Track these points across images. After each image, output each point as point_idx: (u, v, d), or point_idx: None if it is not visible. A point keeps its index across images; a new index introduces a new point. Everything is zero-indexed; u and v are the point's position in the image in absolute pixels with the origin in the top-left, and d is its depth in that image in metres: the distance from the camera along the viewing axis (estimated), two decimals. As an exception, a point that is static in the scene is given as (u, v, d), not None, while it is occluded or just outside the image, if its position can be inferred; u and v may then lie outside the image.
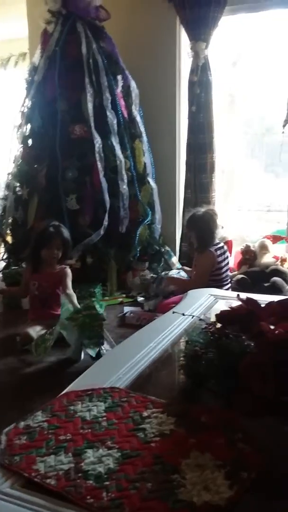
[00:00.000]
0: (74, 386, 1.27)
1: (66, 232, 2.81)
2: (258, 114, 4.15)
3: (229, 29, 3.88)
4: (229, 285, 3.07)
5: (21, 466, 0.93)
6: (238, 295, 1.43)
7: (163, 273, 3.30)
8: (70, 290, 2.70)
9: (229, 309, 1.37)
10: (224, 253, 3.01)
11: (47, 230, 2.75)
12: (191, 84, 3.77)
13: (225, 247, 3.08)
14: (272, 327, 1.16)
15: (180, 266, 3.60)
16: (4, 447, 0.99)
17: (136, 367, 1.37)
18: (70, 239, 2.83)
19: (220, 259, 2.96)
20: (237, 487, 0.85)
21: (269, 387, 1.04)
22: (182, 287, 2.91)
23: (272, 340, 1.11)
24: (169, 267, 3.80)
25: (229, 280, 3.11)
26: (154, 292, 3.11)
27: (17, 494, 0.86)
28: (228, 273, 3.09)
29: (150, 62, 3.92)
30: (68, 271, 2.80)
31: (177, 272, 3.41)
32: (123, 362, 1.39)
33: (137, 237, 3.53)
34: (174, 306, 1.95)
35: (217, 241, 3.02)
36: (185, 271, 3.37)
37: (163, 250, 3.83)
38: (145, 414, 1.10)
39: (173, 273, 3.41)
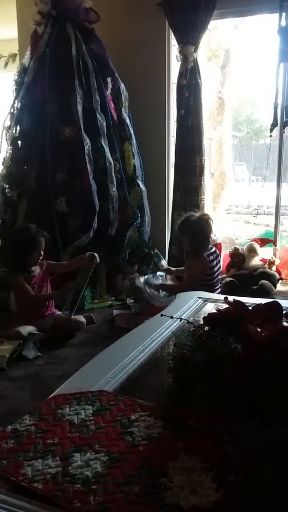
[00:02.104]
0: (62, 389, 1.26)
1: (44, 232, 2.88)
2: (247, 117, 4.18)
3: (218, 32, 3.90)
4: (220, 288, 3.09)
5: (8, 470, 0.92)
6: (225, 298, 1.44)
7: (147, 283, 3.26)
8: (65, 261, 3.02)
9: (216, 312, 1.38)
10: (216, 257, 3.03)
11: (34, 234, 2.77)
12: (180, 87, 3.79)
13: (217, 251, 3.10)
14: (259, 329, 1.17)
15: (165, 267, 3.58)
16: (-9, 452, 0.99)
17: (124, 370, 1.37)
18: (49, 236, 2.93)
19: (212, 264, 2.97)
20: (224, 490, 0.86)
21: (255, 389, 1.05)
22: (173, 292, 2.90)
23: (259, 342, 1.11)
24: (158, 270, 3.80)
25: (220, 283, 3.13)
26: (136, 309, 3.10)
27: (4, 498, 0.86)
28: (220, 276, 3.10)
29: (140, 65, 3.93)
30: (49, 262, 2.92)
31: (161, 275, 3.38)
32: (112, 365, 1.39)
33: (127, 240, 3.53)
34: (163, 309, 1.96)
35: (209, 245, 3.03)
36: (171, 272, 3.34)
37: (152, 253, 3.84)
38: (133, 417, 1.11)
39: (156, 277, 3.35)
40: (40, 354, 2.44)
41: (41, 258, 2.83)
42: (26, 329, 2.57)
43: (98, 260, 2.89)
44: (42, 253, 2.81)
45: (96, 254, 2.88)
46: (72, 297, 2.81)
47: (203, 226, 2.94)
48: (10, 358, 2.33)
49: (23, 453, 0.98)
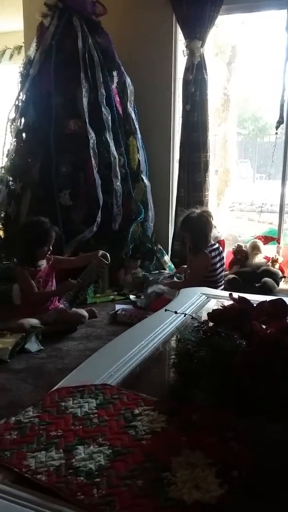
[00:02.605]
0: (65, 382, 1.26)
1: (56, 228, 2.89)
2: (252, 115, 4.16)
3: (225, 28, 3.88)
4: (223, 285, 3.08)
5: (11, 462, 0.93)
6: (230, 294, 1.44)
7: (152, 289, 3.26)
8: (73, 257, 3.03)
9: (221, 308, 1.38)
10: (219, 254, 3.02)
11: (47, 229, 2.77)
12: (186, 82, 3.77)
13: (220, 248, 3.09)
14: (264, 326, 1.16)
15: (174, 271, 3.58)
16: (-5, 443, 0.99)
17: (127, 364, 1.37)
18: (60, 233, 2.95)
19: (215, 260, 2.97)
20: (227, 486, 0.85)
21: (260, 386, 1.05)
22: (178, 289, 2.91)
23: (264, 339, 1.11)
24: (161, 265, 3.81)
25: (223, 280, 3.12)
26: (147, 294, 3.09)
27: (8, 490, 0.86)
28: (223, 273, 3.10)
29: (146, 59, 3.91)
30: (56, 257, 2.93)
31: (168, 276, 3.39)
32: (115, 359, 1.39)
33: (130, 235, 3.53)
34: (166, 305, 1.96)
35: (212, 242, 3.03)
36: (178, 273, 3.36)
37: (155, 248, 3.83)
38: (136, 411, 1.11)
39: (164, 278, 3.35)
40: (43, 348, 2.44)
41: (49, 252, 2.83)
42: (29, 322, 2.57)
43: (109, 261, 2.88)
44: (51, 248, 2.81)
45: (108, 255, 2.87)
46: (75, 292, 2.80)
47: (203, 222, 2.96)
48: (12, 351, 2.33)
49: (27, 444, 0.98)
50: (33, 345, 2.44)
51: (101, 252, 2.85)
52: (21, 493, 0.85)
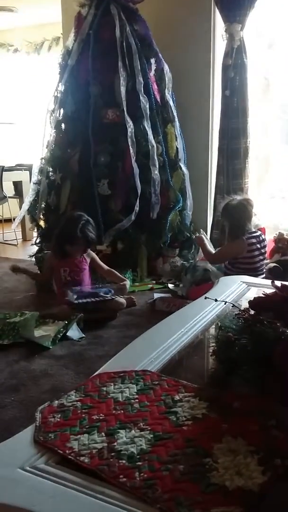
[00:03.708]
0: (106, 367, 1.28)
1: (92, 234, 2.83)
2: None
3: (265, 10, 3.76)
4: (264, 274, 3.04)
5: (55, 443, 0.95)
6: (272, 281, 1.41)
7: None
8: (107, 267, 3.00)
9: (263, 295, 1.35)
10: (259, 242, 2.99)
11: (75, 233, 2.77)
12: (225, 67, 3.69)
13: (263, 236, 3.05)
14: (308, 314, 1.14)
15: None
16: (39, 424, 1.02)
17: (167, 351, 1.38)
18: (95, 238, 2.89)
19: (253, 247, 2.94)
20: (270, 473, 0.84)
21: (304, 375, 1.03)
22: (203, 252, 3.14)
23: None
24: (199, 254, 3.78)
25: (264, 268, 3.08)
26: (187, 282, 3.09)
27: (52, 470, 0.88)
28: (264, 262, 3.06)
29: (184, 45, 3.85)
30: (92, 252, 2.97)
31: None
32: (155, 346, 1.40)
33: (168, 224, 3.51)
34: (206, 293, 1.94)
35: (252, 229, 3.00)
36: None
37: (194, 237, 3.80)
38: (177, 397, 1.11)
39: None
40: (84, 335, 2.48)
41: (80, 252, 2.86)
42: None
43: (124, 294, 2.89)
44: (81, 249, 2.84)
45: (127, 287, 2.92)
46: (91, 297, 2.73)
47: (241, 210, 2.96)
48: (54, 338, 2.38)
49: (70, 427, 1.00)
50: (74, 333, 2.48)
51: (127, 286, 2.91)
52: (64, 474, 0.87)
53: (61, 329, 2.45)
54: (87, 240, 2.82)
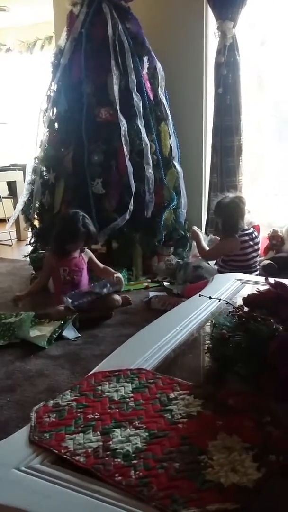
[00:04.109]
0: (101, 366, 1.28)
1: (92, 227, 2.87)
2: (287, 96, 4.03)
3: (257, 7, 3.76)
4: (258, 271, 3.05)
5: (50, 443, 0.95)
6: (266, 278, 1.41)
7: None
8: (102, 265, 3.00)
9: (256, 292, 1.36)
10: (252, 239, 3.00)
11: (77, 228, 2.77)
12: (218, 65, 3.69)
13: (255, 233, 3.06)
14: (301, 311, 1.14)
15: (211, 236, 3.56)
16: (34, 424, 1.02)
17: (162, 349, 1.38)
18: (95, 232, 2.93)
19: (245, 245, 2.95)
20: (265, 470, 0.85)
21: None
22: (198, 247, 3.17)
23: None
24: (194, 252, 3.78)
25: (258, 265, 3.10)
26: (180, 279, 3.09)
27: (47, 470, 0.88)
28: (257, 259, 3.07)
29: (176, 43, 3.85)
30: (89, 252, 2.98)
31: (208, 237, 3.41)
32: (150, 344, 1.40)
33: (163, 222, 3.51)
34: (200, 291, 1.94)
35: (245, 226, 3.01)
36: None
37: (188, 235, 3.81)
38: (172, 395, 1.11)
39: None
40: (80, 335, 2.48)
41: (80, 248, 2.87)
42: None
43: (121, 287, 2.91)
44: (81, 244, 2.86)
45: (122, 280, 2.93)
46: (87, 296, 2.72)
47: (233, 208, 2.97)
48: (50, 338, 2.38)
49: (65, 427, 1.00)
50: (70, 332, 2.48)
51: (118, 276, 2.89)
52: (60, 473, 0.88)
53: (57, 329, 2.45)
54: (90, 233, 2.84)
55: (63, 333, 2.45)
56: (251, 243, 2.99)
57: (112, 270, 2.97)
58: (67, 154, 3.41)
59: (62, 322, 2.51)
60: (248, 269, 2.90)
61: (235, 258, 2.96)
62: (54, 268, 2.85)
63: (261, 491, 0.81)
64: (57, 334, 2.42)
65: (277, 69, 3.98)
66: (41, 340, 2.35)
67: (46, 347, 2.33)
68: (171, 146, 3.67)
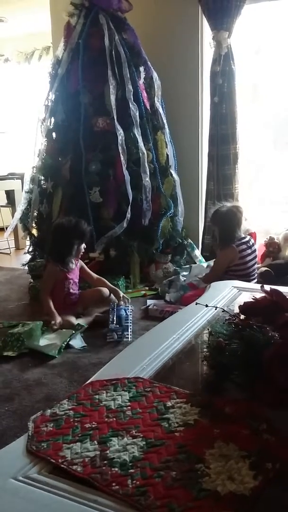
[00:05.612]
0: (98, 375, 1.28)
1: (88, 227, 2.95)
2: (282, 104, 4.07)
3: (252, 17, 3.81)
4: (256, 279, 3.06)
5: (48, 453, 0.95)
6: (262, 286, 1.42)
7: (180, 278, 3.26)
8: (96, 275, 3.00)
9: (252, 300, 1.36)
10: (250, 247, 3.00)
11: (84, 227, 2.82)
12: (214, 74, 3.73)
13: (252, 241, 3.07)
14: (297, 318, 1.15)
15: (206, 263, 3.57)
16: (32, 434, 1.02)
17: (159, 358, 1.38)
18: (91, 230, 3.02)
19: (244, 253, 2.95)
20: (262, 478, 0.85)
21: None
22: (204, 281, 3.00)
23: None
24: (191, 260, 3.80)
25: (256, 273, 3.10)
26: (172, 298, 3.09)
27: (44, 480, 0.88)
28: (255, 266, 3.08)
29: (172, 53, 3.89)
30: (81, 261, 2.98)
31: (206, 265, 3.42)
32: (147, 353, 1.40)
33: (160, 230, 3.53)
34: (197, 298, 1.95)
35: (242, 235, 3.02)
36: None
37: (185, 242, 3.82)
38: (169, 404, 1.11)
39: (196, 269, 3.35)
40: (86, 345, 2.46)
41: (82, 253, 2.89)
42: (76, 320, 2.66)
43: (119, 301, 2.85)
44: (84, 247, 2.88)
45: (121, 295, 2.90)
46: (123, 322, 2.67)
47: (231, 217, 2.98)
48: (60, 347, 2.38)
49: (62, 436, 1.00)
50: (77, 342, 2.46)
51: (122, 293, 2.90)
52: (57, 483, 0.88)
53: (67, 339, 2.44)
54: (91, 234, 2.96)
55: (70, 342, 2.43)
56: (249, 251, 2.99)
57: (106, 281, 2.96)
58: (65, 163, 3.43)
59: (73, 332, 2.51)
60: (248, 278, 2.90)
61: (234, 268, 2.95)
62: (58, 281, 2.79)
63: (258, 499, 0.82)
64: (65, 343, 2.42)
65: (272, 78, 4.02)
66: (51, 349, 2.35)
67: (57, 356, 2.32)
68: (167, 155, 3.70)
